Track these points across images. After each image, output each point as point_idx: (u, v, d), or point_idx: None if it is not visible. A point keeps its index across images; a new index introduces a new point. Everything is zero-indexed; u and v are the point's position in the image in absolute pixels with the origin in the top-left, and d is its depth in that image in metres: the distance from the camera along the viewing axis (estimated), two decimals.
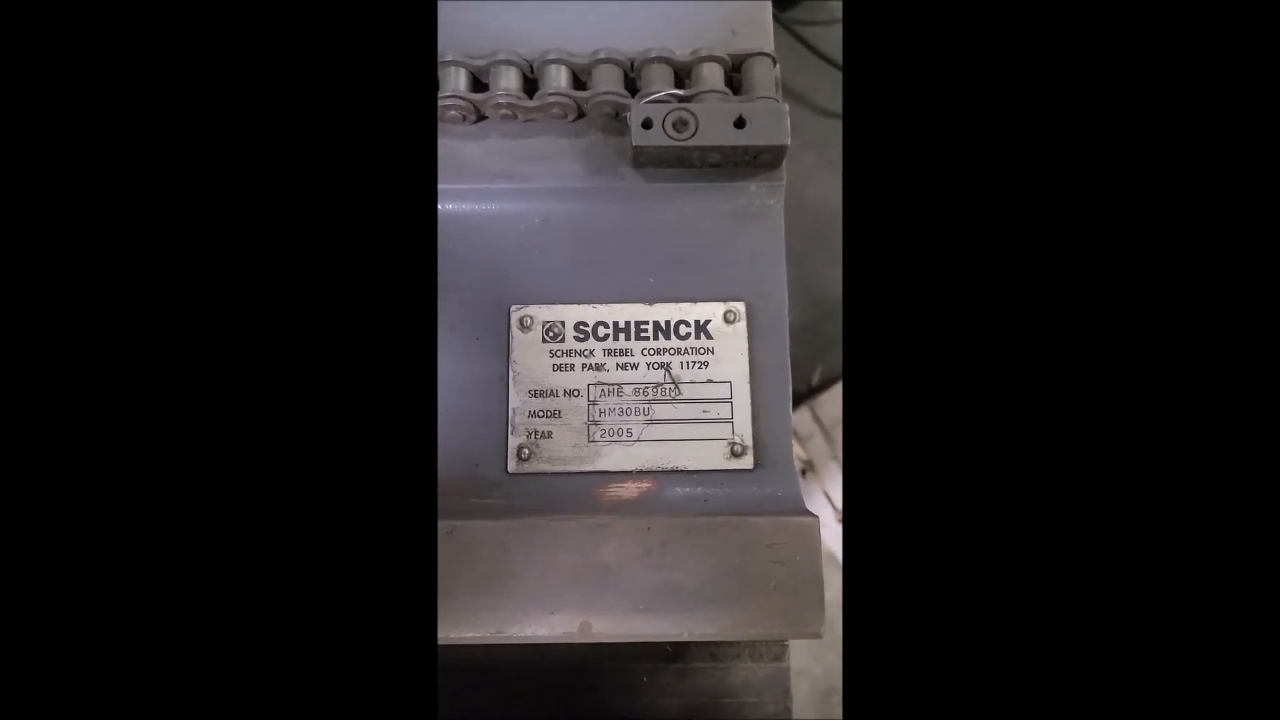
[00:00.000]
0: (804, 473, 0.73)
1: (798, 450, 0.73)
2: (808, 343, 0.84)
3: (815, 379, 0.81)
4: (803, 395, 0.78)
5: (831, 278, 0.86)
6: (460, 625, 0.28)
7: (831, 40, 0.93)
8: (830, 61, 0.90)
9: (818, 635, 0.28)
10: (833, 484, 0.73)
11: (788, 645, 0.33)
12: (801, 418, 0.76)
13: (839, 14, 0.93)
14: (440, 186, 0.32)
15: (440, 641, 0.28)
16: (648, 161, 0.32)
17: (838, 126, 0.90)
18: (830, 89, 0.92)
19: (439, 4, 0.31)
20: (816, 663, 0.82)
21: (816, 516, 0.28)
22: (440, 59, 0.33)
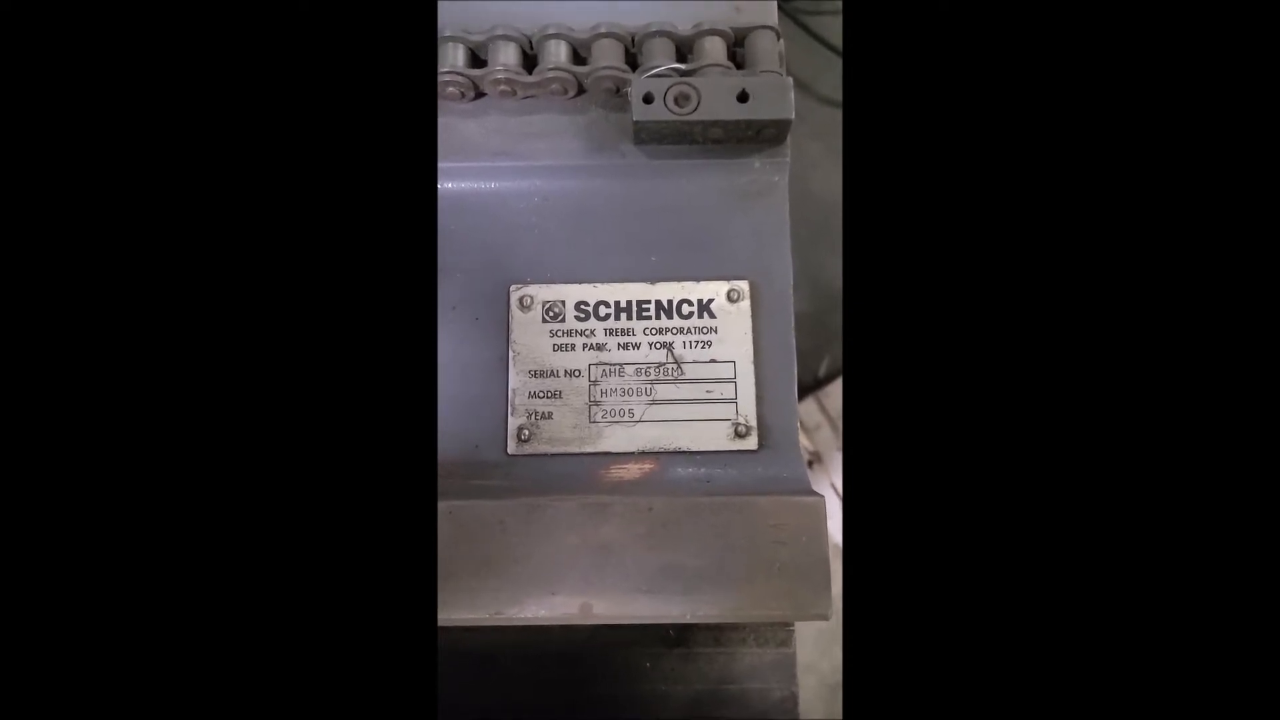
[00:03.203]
0: (810, 464, 0.72)
1: (804, 441, 0.72)
2: (814, 333, 0.84)
3: (822, 370, 0.81)
4: (809, 386, 0.78)
5: (838, 268, 0.85)
6: (459, 607, 0.27)
7: (837, 29, 0.92)
8: (835, 50, 0.89)
9: (824, 617, 0.27)
10: (839, 475, 0.73)
11: (794, 630, 0.32)
12: (808, 409, 0.75)
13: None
14: (439, 165, 0.32)
15: (440, 623, 0.27)
16: (649, 138, 0.31)
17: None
18: (835, 78, 0.91)
19: None
20: (824, 658, 0.82)
21: (821, 496, 0.28)
22: (439, 34, 0.32)
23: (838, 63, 0.89)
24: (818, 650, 0.83)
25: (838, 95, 0.92)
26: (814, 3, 0.92)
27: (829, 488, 0.72)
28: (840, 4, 0.94)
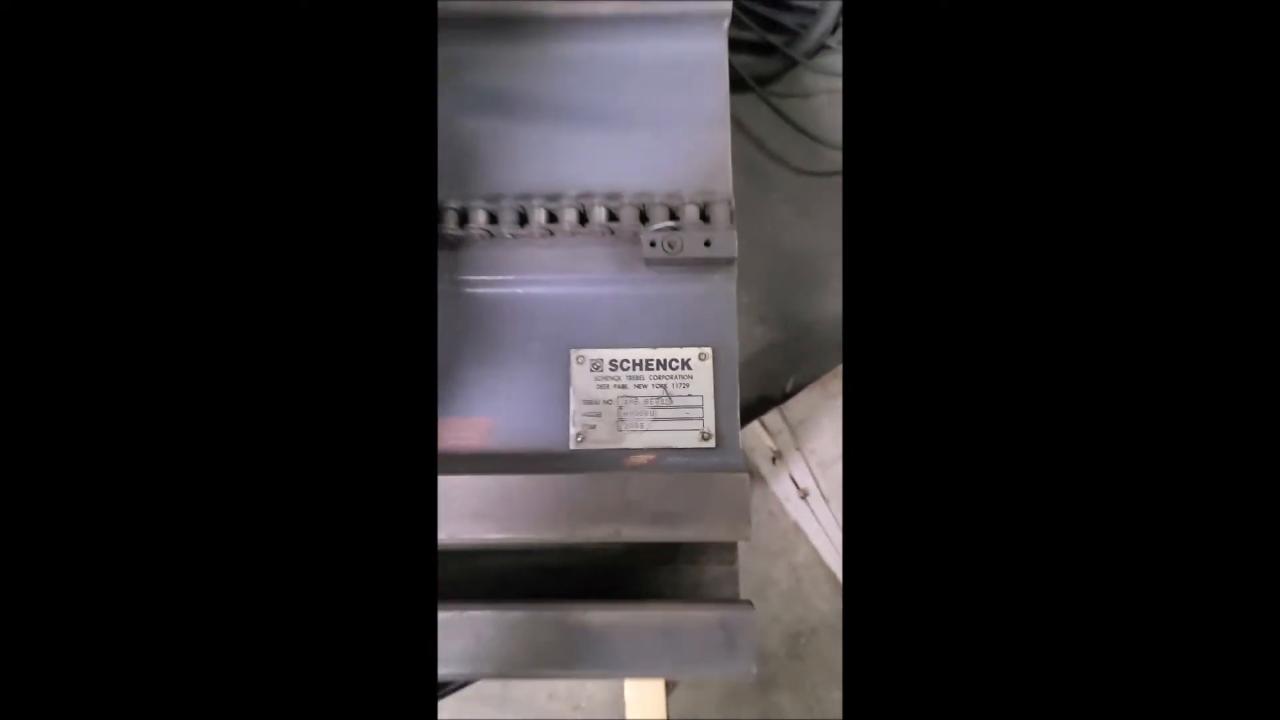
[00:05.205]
0: (774, 460, 0.94)
1: (770, 442, 0.94)
2: (784, 357, 1.05)
3: (789, 387, 1.02)
4: (778, 400, 1.00)
5: (805, 305, 1.07)
6: (545, 531, 0.49)
7: (806, 111, 1.14)
8: (803, 131, 1.11)
9: (746, 538, 0.49)
10: (797, 469, 0.94)
11: (736, 553, 0.54)
12: (774, 418, 0.97)
13: (812, 89, 1.14)
14: (529, 277, 0.53)
15: (534, 541, 0.49)
16: (653, 264, 0.53)
17: (812, 183, 1.12)
18: (803, 151, 1.13)
19: (513, 153, 0.53)
20: (787, 611, 1.04)
21: (746, 473, 0.50)
22: (527, 197, 0.54)
23: (806, 139, 1.11)
24: (782, 606, 1.05)
25: (807, 166, 1.14)
26: (785, 89, 1.14)
27: (788, 478, 0.94)
28: (809, 90, 1.16)
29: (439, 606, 0.46)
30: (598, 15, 0.54)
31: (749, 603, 0.48)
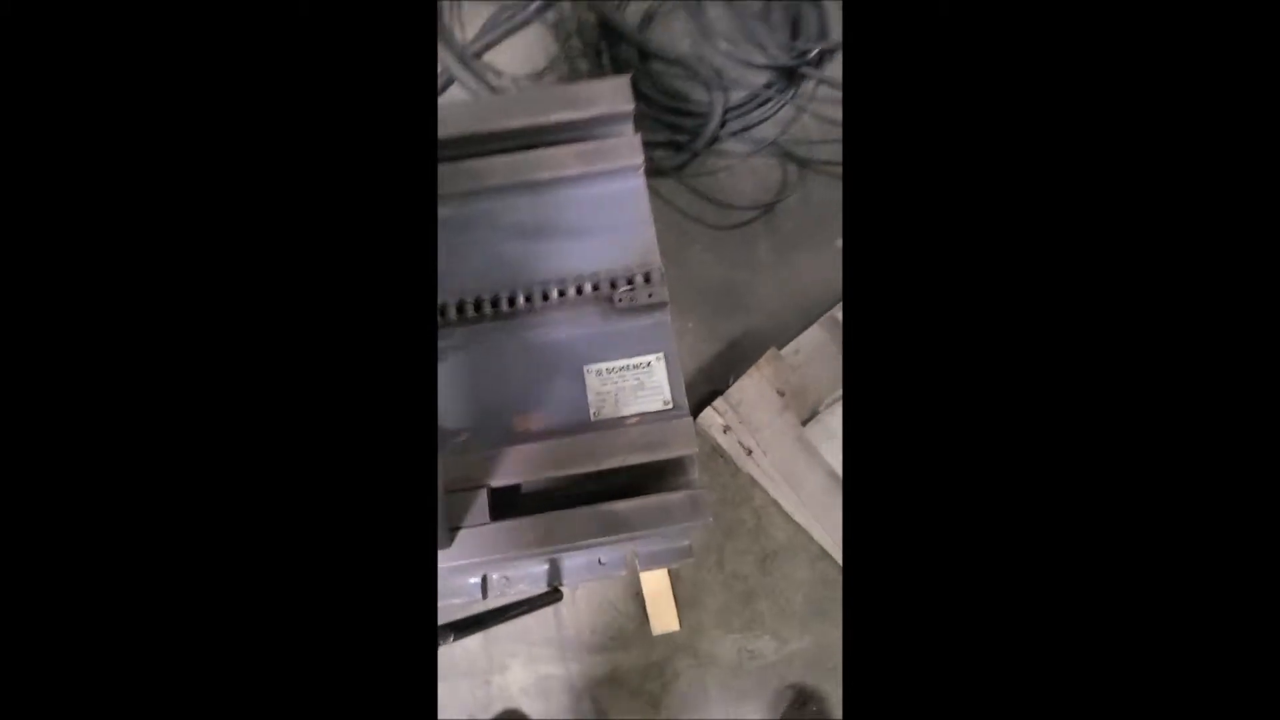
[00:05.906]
0: (725, 430, 1.35)
1: (720, 420, 1.35)
2: (723, 360, 1.46)
3: (730, 381, 1.44)
4: (720, 390, 1.41)
5: (730, 324, 1.48)
6: (583, 466, 0.88)
7: (712, 184, 1.57)
8: (710, 199, 1.54)
9: (694, 450, 0.88)
10: (742, 435, 1.35)
11: (696, 471, 0.93)
12: (721, 403, 1.38)
13: (714, 168, 1.57)
14: (556, 328, 0.93)
15: (577, 473, 0.88)
16: (622, 311, 0.93)
17: (723, 235, 1.54)
18: (715, 213, 1.56)
19: (535, 258, 0.93)
20: (754, 543, 1.43)
21: (690, 417, 0.89)
22: (546, 282, 0.94)
23: (713, 204, 1.54)
24: (750, 539, 1.44)
25: (718, 223, 1.57)
26: (695, 171, 1.58)
27: (736, 443, 1.34)
28: (713, 169, 1.60)
29: (535, 516, 0.84)
30: (570, 175, 0.96)
31: (707, 490, 0.88)
